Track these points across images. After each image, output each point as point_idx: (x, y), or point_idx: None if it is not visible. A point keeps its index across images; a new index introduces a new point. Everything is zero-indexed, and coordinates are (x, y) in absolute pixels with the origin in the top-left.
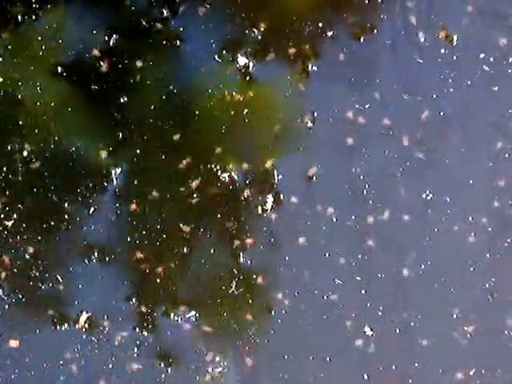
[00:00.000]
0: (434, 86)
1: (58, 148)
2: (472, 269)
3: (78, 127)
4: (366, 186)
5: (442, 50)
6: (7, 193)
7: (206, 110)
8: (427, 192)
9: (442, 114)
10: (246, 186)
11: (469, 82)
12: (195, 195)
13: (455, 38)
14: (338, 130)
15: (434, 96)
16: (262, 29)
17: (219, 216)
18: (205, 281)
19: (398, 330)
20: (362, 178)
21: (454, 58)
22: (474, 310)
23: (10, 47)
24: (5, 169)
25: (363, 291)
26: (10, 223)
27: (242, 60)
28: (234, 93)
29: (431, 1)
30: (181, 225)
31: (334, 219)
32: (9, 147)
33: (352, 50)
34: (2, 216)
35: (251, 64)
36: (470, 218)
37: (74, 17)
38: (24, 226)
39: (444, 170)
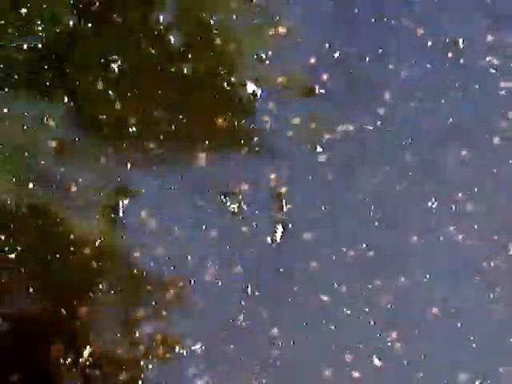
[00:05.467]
0: (441, 91)
1: None
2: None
3: None
4: (372, 208)
5: (450, 54)
6: None
7: (216, 137)
8: (432, 200)
9: (449, 120)
10: (256, 215)
11: (476, 86)
12: (208, 225)
13: (461, 41)
14: (346, 152)
15: (443, 101)
16: (269, 53)
17: (228, 247)
18: (211, 313)
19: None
20: (366, 199)
21: (461, 61)
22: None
23: None
24: None
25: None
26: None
27: (250, 86)
28: (243, 120)
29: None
30: (188, 256)
31: (344, 249)
32: None
33: (359, 70)
34: None
35: (259, 91)
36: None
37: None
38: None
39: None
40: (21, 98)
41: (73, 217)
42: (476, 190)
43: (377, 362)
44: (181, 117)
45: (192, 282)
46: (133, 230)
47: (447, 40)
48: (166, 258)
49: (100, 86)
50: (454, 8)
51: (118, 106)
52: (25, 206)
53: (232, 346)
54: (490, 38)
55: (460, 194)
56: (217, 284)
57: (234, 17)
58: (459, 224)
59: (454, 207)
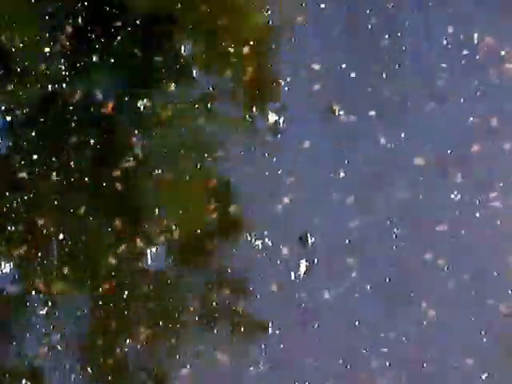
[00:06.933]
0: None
1: None
2: None
3: None
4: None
5: (465, 51)
6: None
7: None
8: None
9: (471, 119)
10: (278, 250)
11: (497, 82)
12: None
13: (475, 36)
14: (370, 164)
15: (462, 101)
16: (287, 80)
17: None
18: None
19: None
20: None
21: (477, 57)
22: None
23: None
24: None
25: None
26: None
27: (272, 117)
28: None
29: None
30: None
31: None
32: None
33: (377, 86)
34: None
35: (281, 120)
36: None
37: None
38: None
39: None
40: None
41: None
42: None
43: None
44: None
45: None
46: None
47: None
48: None
49: None
50: None
51: None
52: None
53: None
54: None
55: None
56: None
57: None
58: None
59: None
